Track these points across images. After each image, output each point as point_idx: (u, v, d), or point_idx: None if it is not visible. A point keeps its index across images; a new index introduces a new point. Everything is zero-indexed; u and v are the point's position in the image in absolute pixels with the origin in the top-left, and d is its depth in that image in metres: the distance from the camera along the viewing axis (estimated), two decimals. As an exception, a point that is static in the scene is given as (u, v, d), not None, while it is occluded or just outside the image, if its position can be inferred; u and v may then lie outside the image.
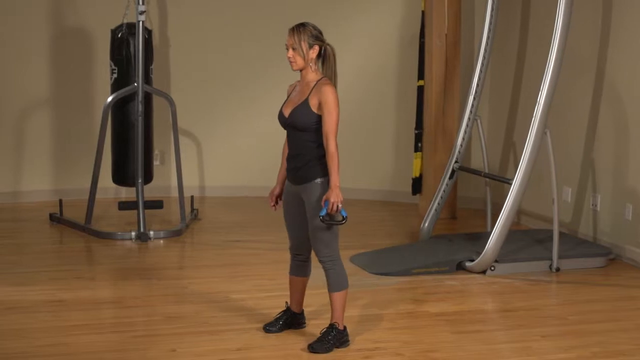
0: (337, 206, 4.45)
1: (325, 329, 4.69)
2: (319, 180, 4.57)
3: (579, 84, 7.03)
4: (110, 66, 7.28)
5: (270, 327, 4.89)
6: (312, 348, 4.62)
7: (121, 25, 7.23)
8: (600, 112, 6.84)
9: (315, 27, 4.61)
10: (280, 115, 4.67)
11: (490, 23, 6.98)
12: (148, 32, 7.28)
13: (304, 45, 4.56)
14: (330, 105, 4.50)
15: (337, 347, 4.66)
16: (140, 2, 7.05)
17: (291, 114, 4.60)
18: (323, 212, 4.47)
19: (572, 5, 6.10)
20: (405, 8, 8.54)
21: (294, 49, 4.57)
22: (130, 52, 7.17)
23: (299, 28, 4.58)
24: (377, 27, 8.66)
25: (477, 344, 4.81)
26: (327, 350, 4.62)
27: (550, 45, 6.10)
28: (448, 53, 7.89)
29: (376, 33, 8.66)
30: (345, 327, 4.72)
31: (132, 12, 7.17)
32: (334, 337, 4.65)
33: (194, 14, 8.71)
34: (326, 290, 4.74)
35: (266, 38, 8.73)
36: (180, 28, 8.70)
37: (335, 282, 4.66)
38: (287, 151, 4.73)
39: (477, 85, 7.00)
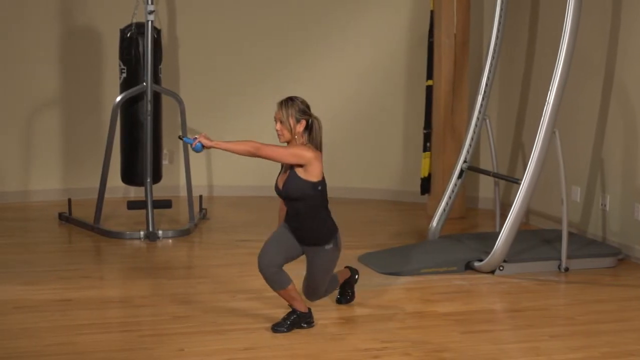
0: (200, 141, 4.71)
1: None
2: (327, 247, 4.84)
3: (588, 83, 7.01)
4: (119, 66, 7.30)
5: (278, 327, 4.89)
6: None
7: (130, 25, 7.24)
8: (609, 111, 6.82)
9: (303, 102, 4.80)
10: (276, 188, 4.88)
11: (499, 23, 6.97)
12: (157, 32, 7.29)
13: (292, 120, 4.75)
14: (296, 149, 4.71)
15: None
16: (150, 2, 7.05)
17: (284, 186, 4.80)
18: (189, 140, 4.76)
19: (581, 6, 6.08)
20: (414, 8, 8.53)
21: (281, 123, 4.76)
22: (139, 51, 7.18)
23: (287, 103, 4.78)
24: (385, 26, 8.65)
25: (486, 343, 4.80)
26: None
27: (559, 45, 6.08)
28: (457, 53, 7.88)
29: (385, 32, 8.66)
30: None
31: (141, 11, 7.18)
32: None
33: (203, 13, 8.72)
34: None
35: (274, 38, 8.74)
36: (189, 28, 8.71)
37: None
38: (284, 209, 4.95)
39: (486, 85, 6.99)
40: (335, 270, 5.09)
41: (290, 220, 4.87)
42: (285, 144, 4.82)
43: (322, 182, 4.80)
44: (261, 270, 4.81)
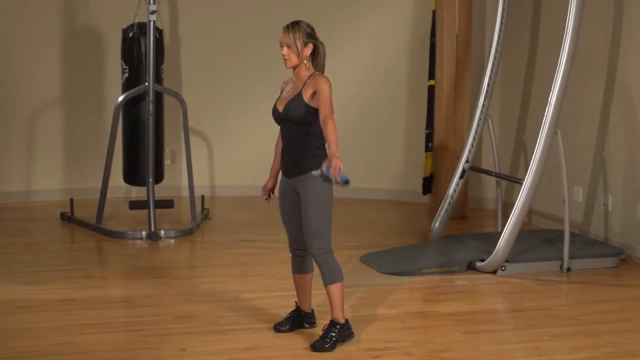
0: (339, 169, 4.33)
1: (326, 326, 4.68)
2: (315, 172, 4.59)
3: (590, 83, 7.01)
4: (122, 66, 7.30)
5: (280, 327, 4.89)
6: (314, 347, 4.61)
7: (132, 25, 7.25)
8: (612, 111, 6.82)
9: (308, 25, 4.69)
10: (274, 110, 4.71)
11: (501, 23, 6.97)
12: (159, 32, 7.29)
13: (299, 43, 4.62)
14: (326, 95, 4.53)
15: (341, 342, 4.65)
16: (152, 2, 7.06)
17: (285, 107, 4.64)
18: (345, 179, 4.34)
19: (584, 5, 6.08)
20: (416, 8, 8.53)
21: (288, 47, 4.64)
22: (141, 51, 7.19)
23: (294, 26, 4.66)
24: (388, 26, 8.66)
25: (488, 343, 4.80)
26: (330, 347, 4.60)
27: (561, 45, 6.09)
28: (459, 53, 7.88)
29: (387, 33, 8.66)
30: (347, 321, 4.70)
31: (143, 11, 7.19)
32: (337, 332, 4.64)
33: (205, 13, 8.72)
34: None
35: (276, 38, 8.68)
36: (191, 28, 8.72)
37: (329, 276, 4.64)
38: (280, 146, 4.78)
39: (488, 85, 6.99)
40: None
41: (284, 156, 4.68)
42: (292, 70, 4.69)
43: None
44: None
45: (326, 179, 4.52)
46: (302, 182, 4.62)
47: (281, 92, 4.77)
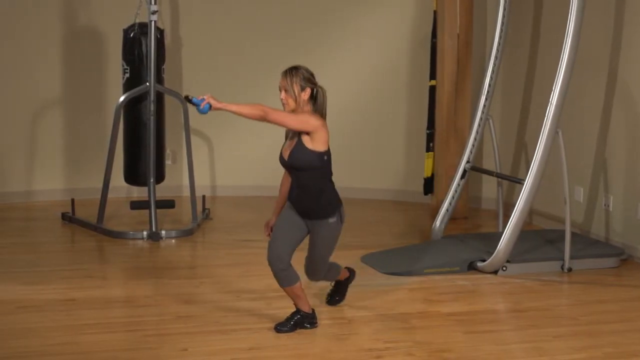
0: (207, 99, 4.52)
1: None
2: (331, 220, 4.77)
3: (591, 84, 7.01)
4: (122, 66, 7.30)
5: (281, 327, 4.89)
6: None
7: (133, 25, 7.25)
8: (613, 112, 6.82)
9: (307, 70, 4.76)
10: (281, 158, 4.81)
11: (502, 23, 6.97)
12: (160, 32, 7.29)
13: (296, 88, 4.70)
14: (304, 116, 4.64)
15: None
16: (152, 2, 7.06)
17: (290, 156, 4.73)
18: (197, 101, 4.51)
19: (585, 5, 6.08)
20: (417, 8, 8.54)
21: (286, 91, 4.71)
22: (142, 51, 7.19)
23: (292, 71, 4.73)
24: (388, 26, 8.66)
25: (489, 344, 4.80)
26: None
27: (562, 45, 6.08)
28: (460, 53, 7.88)
29: (388, 33, 8.66)
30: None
31: (144, 11, 7.19)
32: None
33: (206, 13, 8.72)
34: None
35: (278, 37, 8.74)
36: (192, 28, 8.72)
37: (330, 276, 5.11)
38: (286, 184, 4.90)
39: (489, 85, 6.99)
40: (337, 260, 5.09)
41: (293, 192, 4.79)
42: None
43: (328, 153, 4.73)
44: (270, 264, 4.78)
45: (188, 99, 4.59)
46: (317, 226, 4.80)
47: (286, 138, 4.85)
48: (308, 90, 4.70)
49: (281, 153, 4.80)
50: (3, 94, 8.33)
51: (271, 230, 4.94)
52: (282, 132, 4.86)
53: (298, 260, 4.91)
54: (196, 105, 4.52)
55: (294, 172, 4.78)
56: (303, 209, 4.79)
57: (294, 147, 4.71)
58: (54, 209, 7.98)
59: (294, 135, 4.74)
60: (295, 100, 4.68)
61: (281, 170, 4.96)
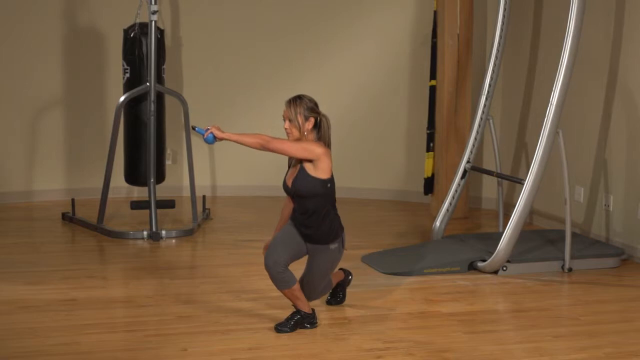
0: (211, 130, 4.73)
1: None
2: (333, 246, 4.84)
3: (591, 83, 7.02)
4: (123, 66, 7.30)
5: (281, 327, 4.89)
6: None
7: (133, 25, 7.25)
8: (613, 111, 6.83)
9: (311, 100, 4.80)
10: (285, 186, 4.86)
11: (503, 23, 6.97)
12: (160, 32, 7.29)
13: (300, 118, 4.74)
14: (307, 144, 4.71)
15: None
16: (153, 2, 7.06)
17: (293, 183, 4.79)
18: (201, 131, 4.75)
19: (585, 5, 6.08)
20: (418, 8, 8.54)
21: (290, 121, 4.76)
22: (142, 51, 7.19)
23: (296, 101, 4.78)
24: (389, 27, 8.66)
25: (489, 344, 4.80)
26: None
27: (562, 45, 6.09)
28: (460, 53, 7.88)
29: (388, 33, 8.66)
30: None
31: (144, 11, 7.19)
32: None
33: (206, 13, 8.73)
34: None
35: (278, 37, 8.75)
36: (192, 28, 8.72)
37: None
38: (288, 208, 4.97)
39: (489, 85, 6.99)
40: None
41: (296, 218, 4.86)
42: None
43: (331, 180, 4.79)
44: (267, 268, 4.81)
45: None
46: (318, 251, 4.86)
47: (289, 166, 4.90)
48: (312, 120, 4.75)
49: (284, 180, 4.86)
50: (3, 93, 8.34)
51: None
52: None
53: (293, 266, 4.92)
54: (200, 134, 4.76)
55: (297, 199, 4.83)
56: (305, 234, 4.85)
57: (297, 174, 4.77)
58: (54, 209, 7.98)
59: (297, 162, 4.80)
60: (299, 130, 4.74)
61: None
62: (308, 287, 4.96)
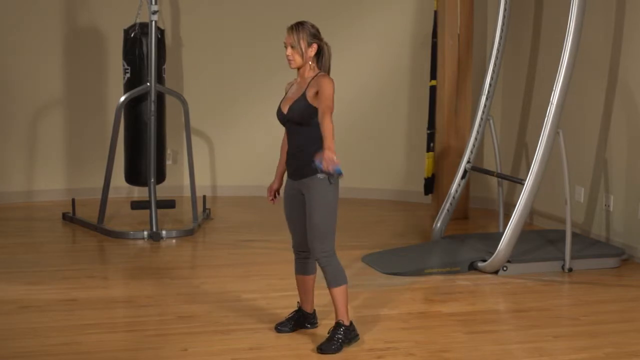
0: (333, 160, 4.29)
1: (331, 328, 4.68)
2: (320, 175, 4.53)
3: (592, 84, 7.02)
4: (123, 66, 7.30)
5: (281, 327, 4.89)
6: (321, 349, 4.60)
7: (134, 25, 7.25)
8: (613, 111, 6.83)
9: (313, 26, 4.66)
10: (279, 112, 4.69)
11: (503, 23, 6.97)
12: (161, 32, 7.29)
13: (303, 44, 4.60)
14: (327, 92, 4.49)
15: (347, 343, 4.65)
16: (153, 2, 7.06)
17: (289, 109, 4.62)
18: (339, 170, 4.32)
19: (585, 5, 6.08)
20: (418, 8, 8.54)
21: (292, 47, 4.61)
22: (142, 51, 7.19)
23: (298, 27, 4.62)
24: (389, 27, 8.66)
25: (490, 344, 4.80)
26: (337, 349, 4.59)
27: (563, 45, 6.09)
28: (460, 53, 7.88)
29: (389, 33, 8.66)
30: (351, 322, 4.70)
31: (144, 11, 7.19)
32: (342, 334, 4.64)
33: (207, 14, 8.73)
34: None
35: (278, 38, 8.64)
36: (192, 28, 8.72)
37: (333, 279, 4.63)
38: (286, 147, 4.74)
39: (490, 85, 6.99)
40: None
41: (290, 158, 4.66)
42: (297, 70, 4.66)
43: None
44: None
45: (324, 175, 4.49)
46: (308, 185, 4.59)
47: (285, 94, 4.75)
48: (315, 46, 4.61)
49: (279, 106, 4.69)
50: (4, 94, 8.34)
51: (274, 196, 4.84)
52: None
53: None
54: (339, 174, 4.37)
55: (290, 128, 4.64)
56: (294, 168, 4.63)
57: (295, 100, 4.60)
58: (55, 209, 7.98)
59: (297, 91, 4.63)
60: (302, 57, 4.60)
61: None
62: (310, 234, 4.58)
